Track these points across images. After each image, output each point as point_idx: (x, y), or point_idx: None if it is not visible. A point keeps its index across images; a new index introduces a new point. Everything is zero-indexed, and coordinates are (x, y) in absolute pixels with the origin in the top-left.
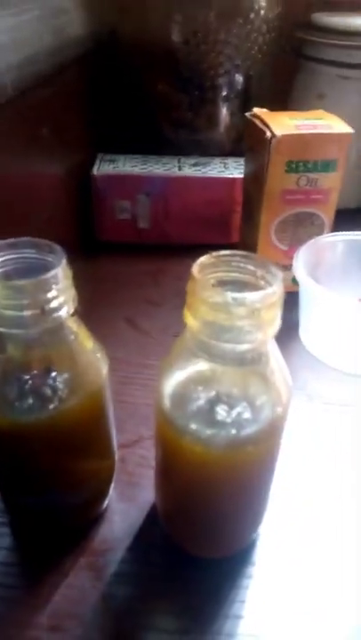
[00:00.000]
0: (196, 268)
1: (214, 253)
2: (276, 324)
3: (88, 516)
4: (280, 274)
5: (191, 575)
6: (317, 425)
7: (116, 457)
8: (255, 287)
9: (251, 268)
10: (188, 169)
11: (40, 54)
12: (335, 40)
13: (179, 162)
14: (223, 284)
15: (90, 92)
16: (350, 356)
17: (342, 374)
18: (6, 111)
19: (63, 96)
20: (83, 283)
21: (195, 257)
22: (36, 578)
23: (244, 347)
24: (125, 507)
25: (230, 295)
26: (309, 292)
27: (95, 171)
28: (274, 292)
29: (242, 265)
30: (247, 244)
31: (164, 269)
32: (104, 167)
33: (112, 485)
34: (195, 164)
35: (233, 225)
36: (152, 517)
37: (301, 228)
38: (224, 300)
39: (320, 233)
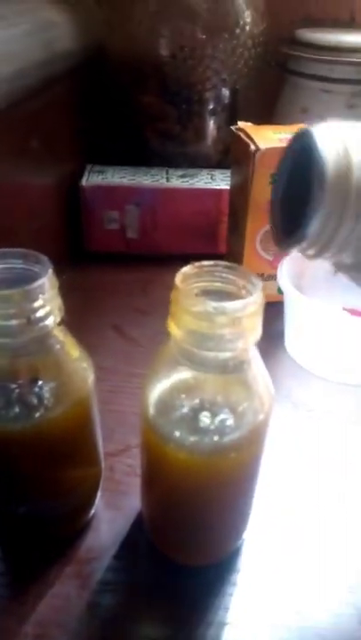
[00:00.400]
0: (179, 277)
1: (197, 264)
2: (256, 332)
3: (74, 524)
4: (260, 283)
5: (177, 583)
6: (302, 432)
7: (104, 465)
8: (237, 297)
9: (232, 277)
10: (176, 180)
11: (30, 68)
12: (317, 55)
13: (167, 173)
14: (207, 293)
15: (79, 105)
16: (335, 365)
17: (327, 382)
18: None
19: (53, 109)
20: (71, 292)
21: (183, 265)
22: (22, 587)
23: (225, 354)
24: (112, 515)
25: (212, 304)
26: (294, 302)
27: (84, 182)
28: (254, 301)
29: (224, 275)
30: (234, 253)
31: (153, 279)
32: (93, 178)
33: (99, 494)
34: (183, 176)
35: (220, 235)
36: (138, 525)
37: None
38: (206, 308)
39: None
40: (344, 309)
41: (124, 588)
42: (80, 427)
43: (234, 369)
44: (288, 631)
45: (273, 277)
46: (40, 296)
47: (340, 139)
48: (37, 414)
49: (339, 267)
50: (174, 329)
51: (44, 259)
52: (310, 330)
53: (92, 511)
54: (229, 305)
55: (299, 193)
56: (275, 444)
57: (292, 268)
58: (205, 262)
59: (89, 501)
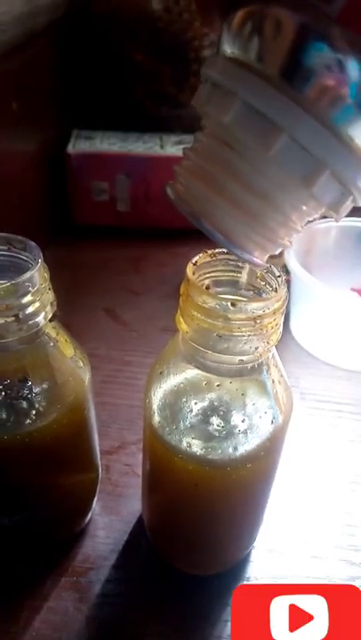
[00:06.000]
0: (190, 268)
1: (210, 251)
2: (278, 331)
3: (69, 531)
4: (283, 275)
5: (181, 594)
6: (312, 425)
7: (100, 469)
8: (254, 288)
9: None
10: (171, 147)
11: (8, 22)
12: None
13: (161, 140)
14: (219, 284)
15: (64, 64)
16: (344, 351)
17: (336, 370)
18: None
19: (34, 68)
20: (57, 270)
21: (178, 242)
22: (14, 602)
23: (243, 357)
24: (109, 520)
25: (229, 300)
26: (301, 283)
27: (70, 148)
28: (278, 296)
29: (240, 264)
30: None
31: (146, 256)
32: (80, 144)
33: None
34: (178, 143)
35: None
36: (138, 531)
37: None
38: (222, 306)
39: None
40: (352, 290)
41: (125, 601)
42: (76, 432)
43: (251, 372)
44: None
45: (276, 256)
46: (30, 290)
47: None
48: (28, 421)
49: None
50: (184, 326)
51: (33, 245)
52: (318, 313)
53: (89, 516)
54: (249, 302)
55: None
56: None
57: (300, 245)
58: (219, 250)
59: (85, 508)
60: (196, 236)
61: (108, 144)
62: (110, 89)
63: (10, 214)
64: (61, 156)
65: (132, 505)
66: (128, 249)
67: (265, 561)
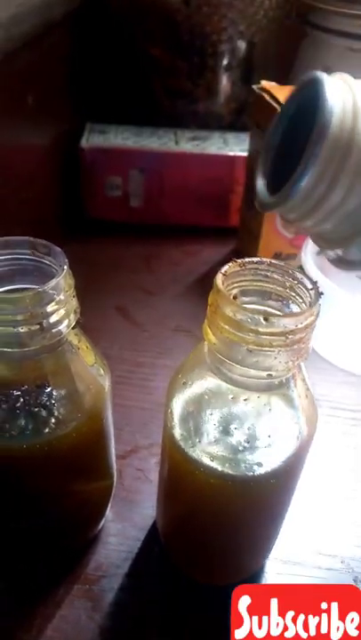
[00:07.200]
0: (220, 278)
1: (239, 261)
2: (310, 346)
3: (82, 538)
4: (318, 288)
5: (195, 603)
6: (327, 432)
7: (115, 476)
8: (282, 298)
9: (277, 277)
10: (186, 143)
11: (26, 13)
12: (346, 8)
13: (175, 135)
14: (246, 293)
15: (79, 56)
16: (360, 357)
17: (352, 376)
18: None
19: (50, 60)
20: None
21: (190, 240)
22: (26, 609)
23: (271, 372)
24: (122, 527)
25: (260, 313)
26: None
27: (84, 143)
28: (312, 311)
29: (269, 274)
30: (249, 229)
31: (158, 253)
32: (93, 139)
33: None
34: (193, 139)
35: (232, 206)
36: (151, 538)
37: None
38: (253, 319)
39: None
40: None
41: (137, 611)
42: (95, 441)
43: (279, 386)
44: None
45: (292, 257)
46: (55, 298)
47: (352, 93)
48: (47, 430)
49: (318, 239)
50: (211, 337)
51: (58, 251)
52: (334, 317)
53: (102, 523)
54: (282, 316)
55: (294, 147)
56: None
57: (314, 247)
58: (248, 259)
59: (98, 514)
60: (208, 235)
61: (121, 139)
62: (125, 82)
63: (23, 209)
64: (75, 150)
65: (145, 511)
66: (140, 246)
67: (279, 572)
